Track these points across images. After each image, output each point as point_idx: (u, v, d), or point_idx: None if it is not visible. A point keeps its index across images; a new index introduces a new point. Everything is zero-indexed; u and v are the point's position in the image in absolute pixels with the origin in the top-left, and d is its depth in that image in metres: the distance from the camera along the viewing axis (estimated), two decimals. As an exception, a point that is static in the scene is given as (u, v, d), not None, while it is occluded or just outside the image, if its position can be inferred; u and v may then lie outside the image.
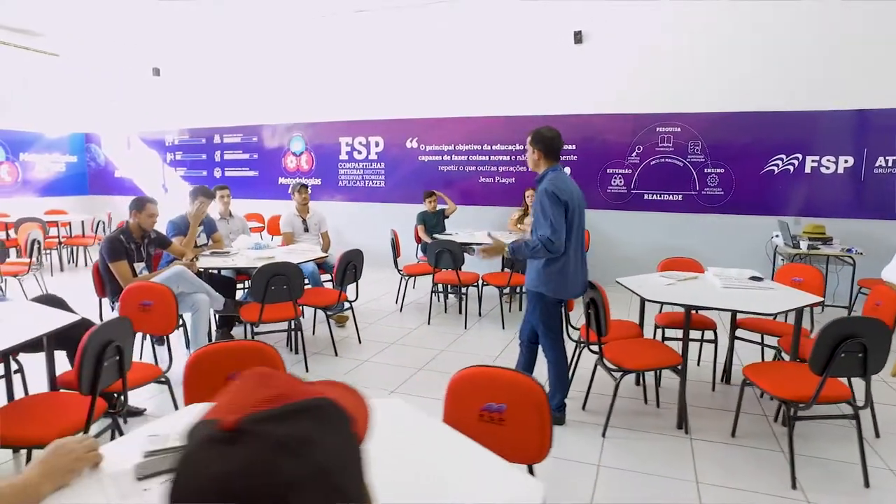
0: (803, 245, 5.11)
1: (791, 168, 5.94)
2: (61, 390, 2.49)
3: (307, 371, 3.96)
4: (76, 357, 2.05)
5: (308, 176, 8.03)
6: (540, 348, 3.21)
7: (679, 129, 6.29)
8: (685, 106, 6.20)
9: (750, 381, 2.90)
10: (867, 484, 2.60)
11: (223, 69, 8.21)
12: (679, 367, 3.09)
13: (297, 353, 4.23)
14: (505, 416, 1.74)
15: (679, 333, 3.28)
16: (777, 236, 5.80)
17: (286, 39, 7.79)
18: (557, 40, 6.56)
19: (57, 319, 2.44)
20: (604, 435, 3.07)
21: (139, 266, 3.83)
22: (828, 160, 5.79)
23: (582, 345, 3.42)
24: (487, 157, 7.15)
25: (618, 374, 3.09)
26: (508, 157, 7.06)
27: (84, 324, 2.43)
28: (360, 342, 4.64)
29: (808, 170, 5.89)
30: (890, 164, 5.64)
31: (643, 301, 3.35)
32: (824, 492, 2.55)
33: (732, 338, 3.72)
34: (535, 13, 6.60)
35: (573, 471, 2.73)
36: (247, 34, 7.96)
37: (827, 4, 5.57)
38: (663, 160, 6.40)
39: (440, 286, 5.79)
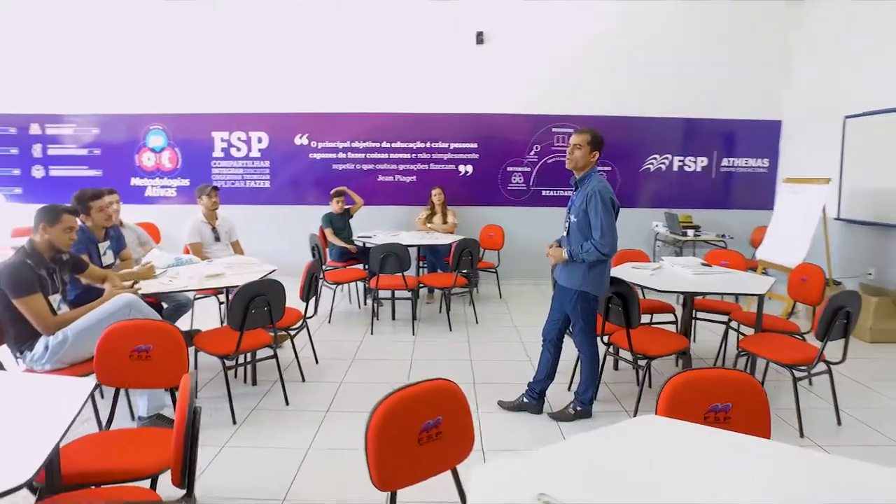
0: (690, 233, 5.98)
1: (663, 167, 6.88)
2: None
3: (287, 403, 3.41)
4: None
5: (172, 176, 6.85)
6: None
7: (572, 130, 6.80)
8: (577, 109, 6.74)
9: (746, 352, 3.32)
10: (839, 423, 3.20)
11: (50, 43, 6.54)
12: (686, 350, 3.39)
13: (254, 384, 3.65)
14: (730, 415, 1.73)
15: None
16: (657, 225, 6.67)
17: (146, 15, 6.51)
18: (460, 40, 6.59)
19: None
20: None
21: (54, 299, 2.89)
22: (690, 160, 6.84)
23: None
24: (387, 155, 6.90)
25: (637, 363, 3.29)
26: (409, 155, 6.90)
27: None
28: (317, 362, 4.15)
29: (675, 168, 6.88)
30: (731, 164, 6.89)
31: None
32: (820, 435, 3.05)
33: (691, 317, 4.19)
34: (438, 12, 6.54)
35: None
36: (90, 2, 6.47)
37: (698, 30, 6.55)
38: (559, 159, 6.87)
39: (374, 293, 5.48)
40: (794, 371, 3.10)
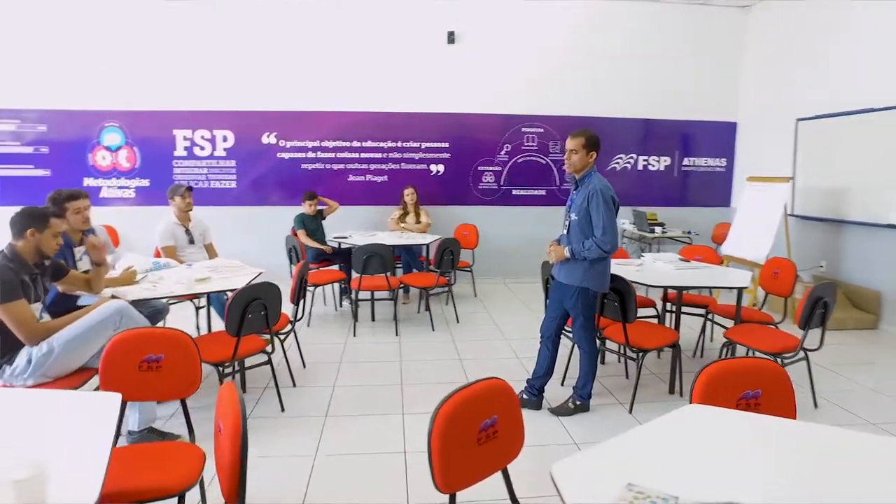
0: (657, 230, 6.22)
1: (628, 166, 7.11)
2: None
3: (283, 410, 3.32)
4: None
5: (130, 176, 6.50)
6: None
7: (542, 130, 6.94)
8: (546, 109, 6.87)
9: (731, 342, 3.50)
10: (815, 405, 3.41)
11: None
12: (676, 343, 3.52)
13: (244, 391, 3.53)
14: (760, 401, 1.82)
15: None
16: (624, 223, 6.89)
17: (99, 7, 6.14)
18: (431, 39, 6.58)
19: None
20: (631, 412, 3.34)
21: (36, 307, 2.70)
22: (654, 159, 7.10)
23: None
24: (358, 155, 6.81)
25: (630, 357, 3.40)
26: (380, 155, 6.84)
27: None
28: (304, 367, 4.05)
29: (640, 167, 7.12)
30: (692, 163, 7.20)
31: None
32: (801, 417, 3.23)
33: (679, 310, 4.36)
34: (410, 11, 6.51)
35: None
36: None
37: (659, 34, 6.80)
38: (529, 158, 6.99)
39: (354, 294, 5.40)
40: (777, 359, 3.28)
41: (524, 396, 3.36)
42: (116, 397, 1.66)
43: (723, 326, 4.10)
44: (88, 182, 6.45)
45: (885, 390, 3.71)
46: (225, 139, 6.55)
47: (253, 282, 3.43)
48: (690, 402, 1.81)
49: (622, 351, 3.77)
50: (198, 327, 4.55)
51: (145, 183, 6.53)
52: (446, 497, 2.44)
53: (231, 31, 6.36)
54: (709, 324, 4.34)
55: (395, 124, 6.77)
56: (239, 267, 3.89)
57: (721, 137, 7.15)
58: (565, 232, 3.19)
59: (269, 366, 3.38)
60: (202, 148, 6.53)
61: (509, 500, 1.72)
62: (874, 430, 3.15)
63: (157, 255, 4.43)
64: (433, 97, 6.74)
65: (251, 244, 6.13)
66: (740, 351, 3.84)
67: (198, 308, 4.50)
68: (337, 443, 2.94)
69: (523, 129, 6.93)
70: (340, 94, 6.61)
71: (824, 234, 5.65)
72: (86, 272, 3.40)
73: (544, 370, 3.34)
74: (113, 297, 2.99)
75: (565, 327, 3.39)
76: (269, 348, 3.30)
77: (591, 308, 3.16)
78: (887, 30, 4.99)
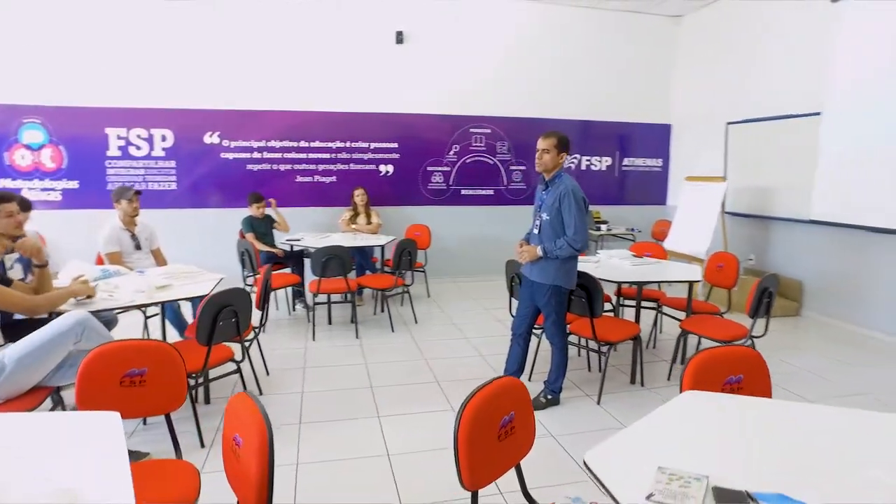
0: (603, 227, 6.49)
1: (573, 166, 7.37)
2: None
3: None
4: None
5: (55, 177, 6.02)
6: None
7: (489, 131, 7.07)
8: (494, 110, 7.00)
9: (686, 332, 3.73)
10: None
11: None
12: (638, 336, 3.71)
13: (207, 402, 3.38)
14: (742, 385, 1.97)
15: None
16: (569, 221, 7.13)
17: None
18: (379, 39, 6.54)
19: None
20: (599, 402, 3.48)
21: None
22: (596, 160, 7.40)
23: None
24: (305, 155, 6.65)
25: (599, 350, 3.55)
26: (329, 155, 6.72)
27: None
28: (268, 374, 3.93)
29: (584, 167, 7.41)
30: (631, 163, 7.58)
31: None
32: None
33: (639, 305, 4.58)
34: (358, 10, 6.43)
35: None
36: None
37: (599, 40, 7.09)
38: (477, 158, 7.09)
39: (310, 297, 5.30)
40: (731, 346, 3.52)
41: (497, 393, 3.43)
42: (115, 416, 1.56)
43: (674, 318, 4.37)
44: (6, 183, 5.92)
45: (816, 370, 4.08)
46: (164, 139, 6.20)
47: (216, 288, 3.30)
48: (681, 390, 1.93)
49: (585, 344, 3.93)
50: (148, 335, 4.30)
51: (73, 185, 6.07)
52: (439, 498, 2.48)
53: (168, 26, 6.03)
54: (659, 316, 4.60)
55: (344, 124, 6.68)
56: (197, 273, 3.71)
57: (657, 139, 7.57)
58: (536, 231, 3.27)
59: (235, 375, 3.26)
60: (139, 148, 6.15)
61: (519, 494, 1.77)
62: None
63: (100, 261, 4.15)
64: (382, 97, 6.69)
65: (195, 248, 5.85)
66: (692, 340, 4.12)
67: (147, 317, 4.25)
68: (317, 450, 2.88)
69: (471, 130, 7.03)
70: (287, 93, 6.43)
71: (753, 230, 6.12)
72: (21, 281, 3.15)
73: (516, 366, 3.43)
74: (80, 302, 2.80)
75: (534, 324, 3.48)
76: (237, 356, 3.18)
77: (563, 305, 3.28)
78: (803, 44, 5.47)
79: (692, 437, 1.52)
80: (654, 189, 7.65)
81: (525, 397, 1.72)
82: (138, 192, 4.27)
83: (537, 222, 3.26)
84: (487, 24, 6.81)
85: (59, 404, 2.69)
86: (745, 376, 1.97)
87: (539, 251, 3.15)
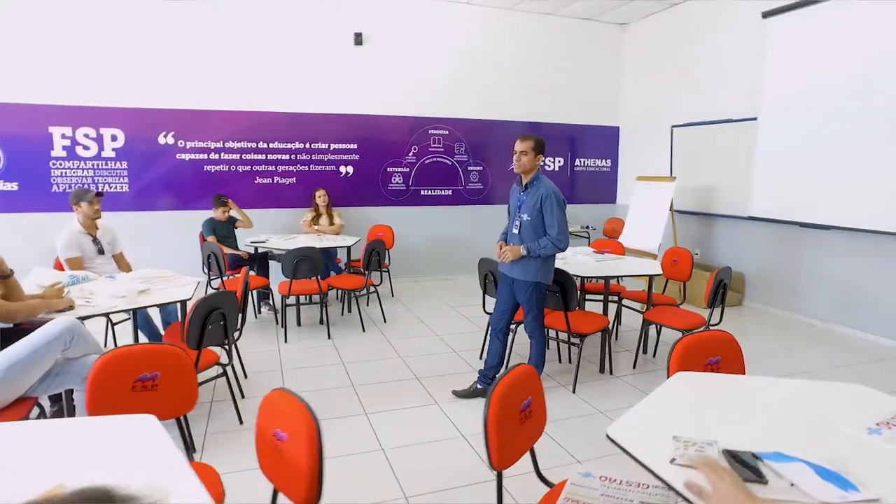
0: (560, 225, 6.77)
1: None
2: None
3: (242, 422, 3.20)
4: None
5: (-7, 179, 5.67)
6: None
7: (447, 132, 7.20)
8: (451, 112, 7.14)
9: (650, 322, 4.01)
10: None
11: None
12: (608, 328, 3.95)
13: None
14: (720, 365, 2.19)
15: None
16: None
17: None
18: (338, 40, 6.53)
19: None
20: (574, 391, 3.69)
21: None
22: (549, 160, 7.69)
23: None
24: (264, 156, 6.56)
25: (575, 341, 3.76)
26: (288, 156, 6.65)
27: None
28: (246, 377, 3.91)
29: (538, 168, 7.67)
30: (582, 164, 7.92)
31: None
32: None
33: (607, 298, 4.83)
34: (317, 11, 6.40)
35: (592, 423, 3.25)
36: None
37: (551, 44, 7.35)
38: (435, 159, 7.21)
39: (271, 300, 5.29)
40: (685, 333, 3.82)
41: (478, 386, 3.57)
42: (152, 419, 1.59)
43: (634, 310, 4.66)
44: (-63, 187, 5.52)
45: (764, 353, 4.48)
46: (114, 138, 5.96)
47: (196, 292, 3.28)
48: (668, 372, 2.13)
49: (555, 336, 4.14)
50: (115, 343, 4.14)
51: (12, 186, 5.73)
52: (441, 487, 2.58)
53: (118, 21, 5.79)
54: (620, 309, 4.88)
55: (303, 125, 6.63)
56: (172, 276, 3.64)
57: (606, 140, 7.95)
58: (516, 231, 3.42)
59: (220, 378, 3.24)
60: (86, 148, 5.88)
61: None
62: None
63: (59, 267, 3.98)
64: (341, 98, 6.70)
65: (149, 252, 5.64)
66: (651, 331, 4.42)
67: (113, 324, 4.11)
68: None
69: (430, 131, 7.14)
70: (246, 94, 6.33)
71: (698, 226, 6.57)
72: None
73: (497, 361, 3.57)
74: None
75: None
76: (223, 359, 3.16)
77: (543, 301, 3.45)
78: (739, 55, 5.93)
79: (692, 410, 1.70)
80: (604, 188, 8.03)
81: (538, 384, 1.86)
82: (100, 194, 4.11)
83: (517, 222, 3.41)
84: (444, 27, 6.94)
85: (42, 413, 2.61)
86: (723, 358, 2.20)
87: (522, 250, 3.31)
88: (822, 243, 5.25)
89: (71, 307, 2.82)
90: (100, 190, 4.99)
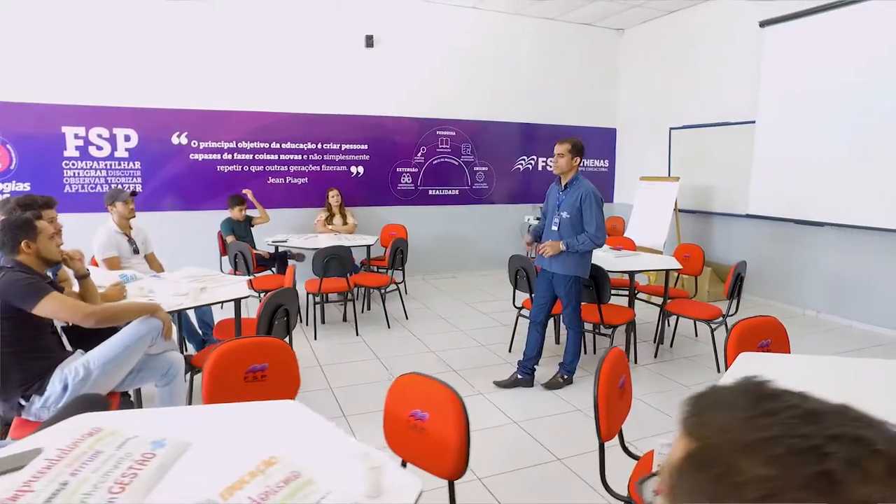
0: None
1: (530, 167, 7.85)
2: None
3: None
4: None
5: (4, 179, 5.61)
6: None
7: (454, 133, 7.38)
8: (458, 113, 7.31)
9: (672, 314, 4.26)
10: (718, 370, 4.28)
11: None
12: (634, 320, 4.18)
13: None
14: (771, 347, 2.43)
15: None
16: (529, 219, 7.62)
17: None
18: (349, 43, 6.64)
19: None
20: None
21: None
22: (551, 160, 7.86)
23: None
24: (277, 157, 6.62)
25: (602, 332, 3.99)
26: (300, 157, 6.73)
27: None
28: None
29: (540, 168, 7.91)
30: (582, 164, 8.16)
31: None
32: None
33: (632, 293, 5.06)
34: (329, 14, 6.48)
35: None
36: None
37: (552, 48, 7.59)
38: (443, 160, 7.38)
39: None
40: (710, 324, 4.09)
41: (518, 377, 3.76)
42: (295, 403, 1.73)
43: (652, 304, 4.92)
44: (-52, 187, 5.44)
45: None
46: (127, 139, 5.95)
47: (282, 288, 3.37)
48: (726, 353, 2.35)
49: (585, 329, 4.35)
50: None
51: (24, 187, 5.68)
52: (509, 468, 2.76)
53: (132, 22, 5.79)
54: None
55: (315, 125, 6.72)
56: (220, 276, 3.73)
57: (603, 142, 8.23)
58: (555, 228, 3.62)
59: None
60: (99, 148, 5.86)
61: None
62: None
63: (94, 265, 4.02)
64: (352, 99, 6.80)
65: (163, 252, 5.61)
66: (671, 320, 4.67)
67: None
68: (380, 438, 3.06)
69: (438, 133, 7.30)
70: (258, 95, 6.38)
71: (697, 224, 6.89)
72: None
73: (535, 352, 3.77)
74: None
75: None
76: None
77: (581, 294, 3.66)
78: (737, 60, 6.26)
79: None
80: (601, 188, 8.22)
81: (627, 365, 2.07)
82: (134, 193, 4.17)
83: (556, 220, 3.61)
84: (452, 31, 7.11)
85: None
86: (773, 340, 2.44)
87: (562, 246, 3.51)
88: (815, 239, 5.61)
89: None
90: (133, 189, 5.01)
